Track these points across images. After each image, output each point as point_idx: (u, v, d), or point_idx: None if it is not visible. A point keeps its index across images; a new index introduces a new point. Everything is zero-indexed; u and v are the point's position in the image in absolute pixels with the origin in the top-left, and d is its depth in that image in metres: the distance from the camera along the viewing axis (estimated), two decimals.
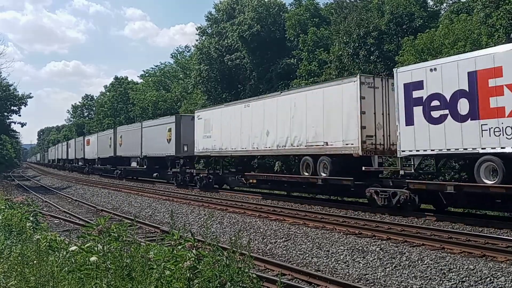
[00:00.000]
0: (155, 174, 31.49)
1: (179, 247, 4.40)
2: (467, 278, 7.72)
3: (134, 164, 35.13)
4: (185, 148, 27.02)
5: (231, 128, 22.09)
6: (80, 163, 56.01)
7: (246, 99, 23.26)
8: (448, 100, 12.45)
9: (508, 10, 17.64)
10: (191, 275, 3.93)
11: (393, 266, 8.71)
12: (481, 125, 11.56)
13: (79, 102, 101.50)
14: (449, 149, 12.44)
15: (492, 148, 11.39)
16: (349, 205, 16.71)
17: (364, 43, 24.46)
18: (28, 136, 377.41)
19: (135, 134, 34.65)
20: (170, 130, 28.29)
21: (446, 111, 12.48)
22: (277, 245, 11.01)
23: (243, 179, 21.67)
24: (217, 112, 23.91)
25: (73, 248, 4.55)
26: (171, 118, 29.07)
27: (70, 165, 63.42)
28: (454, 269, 8.13)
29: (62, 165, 70.32)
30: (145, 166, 32.57)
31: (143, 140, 32.89)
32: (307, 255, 10.00)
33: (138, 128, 34.55)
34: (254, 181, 21.10)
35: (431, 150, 12.98)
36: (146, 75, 69.23)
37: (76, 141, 60.10)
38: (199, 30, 42.76)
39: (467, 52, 15.15)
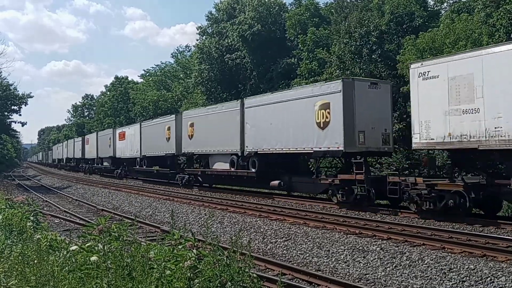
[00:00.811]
0: (276, 182, 19.17)
1: (180, 246, 4.42)
2: (467, 278, 7.72)
3: (219, 165, 23.50)
4: (361, 139, 15.74)
5: None
6: (105, 164, 43.63)
7: None
8: None
9: (508, 10, 17.64)
10: (191, 275, 3.94)
11: (394, 265, 8.71)
12: None
13: (80, 101, 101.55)
14: None
15: None
16: None
17: (366, 42, 24.48)
18: (28, 136, 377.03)
19: (225, 119, 22.82)
20: (325, 107, 16.32)
21: None
22: (278, 245, 11.01)
23: None
24: (498, 58, 11.44)
25: (74, 247, 4.57)
26: (332, 85, 16.45)
27: (88, 166, 50.57)
28: (454, 269, 8.13)
29: (75, 166, 57.82)
30: (253, 170, 20.70)
31: (247, 127, 21.15)
32: (307, 254, 10.00)
33: (234, 109, 22.23)
34: None
35: None
36: (147, 74, 69.38)
37: (98, 135, 46.70)
38: (199, 30, 42.85)
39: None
